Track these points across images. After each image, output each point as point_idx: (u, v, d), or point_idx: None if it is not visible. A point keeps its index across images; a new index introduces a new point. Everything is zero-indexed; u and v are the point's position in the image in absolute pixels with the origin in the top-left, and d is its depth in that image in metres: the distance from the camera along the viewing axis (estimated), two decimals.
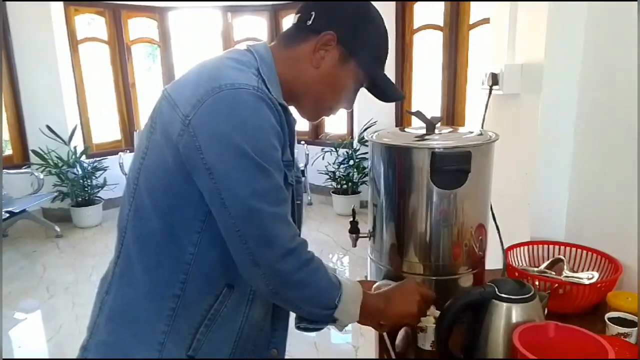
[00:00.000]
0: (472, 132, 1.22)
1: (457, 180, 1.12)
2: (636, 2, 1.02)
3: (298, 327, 0.98)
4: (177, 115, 0.84)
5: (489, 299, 0.94)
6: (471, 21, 4.14)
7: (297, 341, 2.46)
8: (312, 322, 0.96)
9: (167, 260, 0.90)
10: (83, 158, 4.83)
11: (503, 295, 0.93)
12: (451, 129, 1.27)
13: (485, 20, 3.87)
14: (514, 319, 0.92)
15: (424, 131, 1.21)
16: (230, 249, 0.86)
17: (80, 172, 4.69)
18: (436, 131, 1.20)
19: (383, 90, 1.03)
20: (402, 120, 4.83)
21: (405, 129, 1.26)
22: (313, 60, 0.95)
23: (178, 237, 0.89)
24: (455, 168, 1.10)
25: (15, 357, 2.73)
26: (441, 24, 4.35)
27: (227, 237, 0.85)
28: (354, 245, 1.34)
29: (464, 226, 1.18)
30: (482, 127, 1.51)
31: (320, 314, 0.92)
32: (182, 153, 0.84)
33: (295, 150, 1.03)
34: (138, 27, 5.52)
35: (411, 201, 1.16)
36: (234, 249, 0.86)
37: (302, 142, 5.23)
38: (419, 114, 1.17)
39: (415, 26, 4.68)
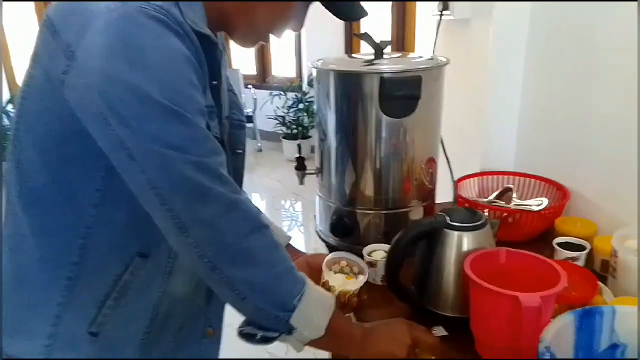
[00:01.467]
0: (422, 57, 1.15)
1: (407, 107, 1.06)
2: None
3: (240, 333, 0.73)
4: (59, 45, 0.65)
5: (440, 228, 0.90)
6: None
7: None
8: (260, 327, 0.72)
9: (60, 222, 0.73)
10: (9, 107, 4.44)
11: (454, 223, 0.89)
12: (400, 54, 1.19)
13: None
14: (465, 247, 0.88)
15: (372, 57, 1.12)
16: (150, 213, 0.68)
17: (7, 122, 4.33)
18: (385, 56, 1.12)
19: (343, 4, 0.81)
20: (351, 51, 4.69)
21: (353, 55, 1.17)
22: None
23: (74, 196, 0.72)
24: (405, 94, 1.03)
25: None
26: None
27: (141, 198, 0.67)
28: (301, 182, 1.27)
29: (415, 158, 1.12)
30: (433, 54, 1.44)
31: (271, 315, 0.70)
32: (68, 94, 0.66)
33: (242, 95, 0.85)
34: None
35: (359, 133, 1.09)
36: (152, 213, 0.67)
37: (249, 86, 5.02)
38: (366, 37, 1.08)
39: None
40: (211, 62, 0.72)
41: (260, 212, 0.83)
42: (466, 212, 0.92)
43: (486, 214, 1.18)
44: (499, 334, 0.78)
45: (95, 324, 0.75)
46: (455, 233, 0.89)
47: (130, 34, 0.62)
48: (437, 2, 1.54)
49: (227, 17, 0.77)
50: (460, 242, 0.89)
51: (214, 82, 0.75)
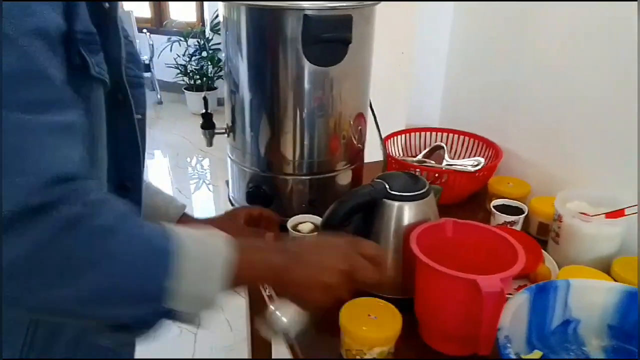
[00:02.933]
0: None
1: (335, 53, 0.89)
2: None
3: (94, 340, 0.55)
4: None
5: (379, 199, 0.77)
6: None
7: None
8: (126, 327, 0.50)
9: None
10: None
11: (395, 192, 0.76)
12: None
13: None
14: (407, 220, 0.76)
15: None
16: None
17: None
18: None
19: None
20: None
21: None
22: None
23: None
24: (334, 36, 0.86)
25: None
26: None
27: None
28: (209, 144, 1.07)
29: (343, 114, 0.97)
30: None
31: (131, 313, 0.49)
32: None
33: (137, 40, 0.61)
34: None
35: (278, 84, 0.90)
36: None
37: (144, 31, 4.51)
38: None
39: None
40: None
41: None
42: (407, 178, 0.80)
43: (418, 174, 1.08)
44: (451, 320, 0.68)
45: None
46: (396, 204, 0.76)
47: None
48: None
49: None
50: (401, 214, 0.77)
51: (106, 4, 0.53)
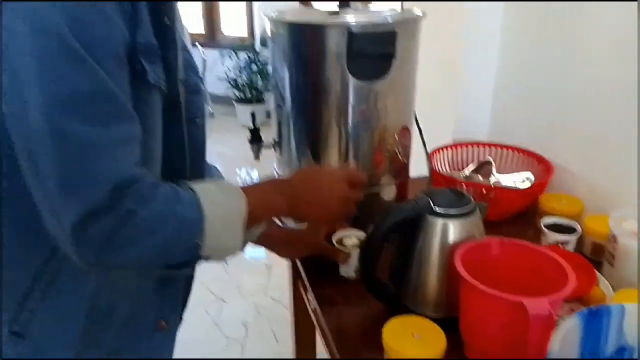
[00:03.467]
0: (394, 10, 0.97)
1: (379, 68, 0.89)
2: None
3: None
4: None
5: (423, 215, 0.76)
6: None
7: None
8: (170, 266, 0.65)
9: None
10: None
11: (439, 209, 0.75)
12: (367, 5, 1.01)
13: None
14: (451, 237, 0.75)
15: (336, 8, 0.93)
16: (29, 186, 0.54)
17: None
18: (351, 7, 0.94)
19: None
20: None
21: (313, 4, 0.98)
22: None
23: None
24: (378, 52, 0.86)
25: None
26: None
27: (24, 169, 0.53)
28: (257, 157, 1.09)
29: (387, 128, 0.97)
30: (402, 6, 1.27)
31: (178, 260, 0.64)
32: None
33: (187, 44, 0.68)
34: None
35: (323, 99, 0.91)
36: (32, 189, 0.54)
37: (197, 44, 4.68)
38: None
39: None
40: None
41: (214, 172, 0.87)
42: (451, 195, 0.79)
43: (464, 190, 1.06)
44: (496, 342, 0.66)
45: (18, 323, 0.62)
46: (441, 221, 0.75)
47: None
48: None
49: None
50: (446, 231, 0.75)
51: (166, 19, 0.60)
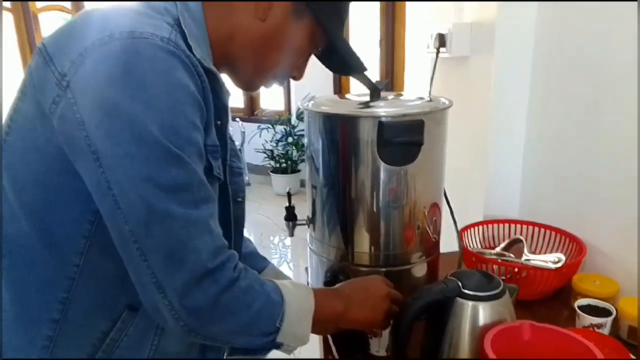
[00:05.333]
0: (421, 99, 1.05)
1: (408, 154, 0.95)
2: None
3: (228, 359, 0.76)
4: (52, 74, 0.60)
5: (452, 297, 0.78)
6: None
7: None
8: (249, 351, 0.73)
9: (41, 274, 0.66)
10: None
11: (469, 292, 0.77)
12: (397, 95, 1.10)
13: None
14: (482, 320, 0.76)
15: (367, 98, 1.02)
16: (126, 266, 0.63)
17: None
18: (381, 98, 1.02)
19: (343, 58, 0.81)
20: (341, 92, 4.64)
21: (346, 96, 1.07)
22: (258, 11, 0.71)
23: (57, 244, 0.65)
24: (406, 140, 0.92)
25: None
26: None
27: (121, 249, 0.62)
28: (291, 234, 1.15)
29: (417, 208, 1.01)
30: (430, 94, 1.35)
31: (257, 343, 0.70)
32: (58, 128, 0.60)
33: (230, 128, 0.80)
34: None
35: (355, 181, 0.97)
36: (130, 267, 0.63)
37: (237, 119, 4.93)
38: (362, 77, 0.97)
39: None
40: (217, 100, 0.69)
41: (248, 244, 0.98)
42: (480, 277, 0.81)
43: (495, 269, 1.07)
44: None
45: None
46: (470, 303, 0.77)
47: (134, 65, 0.57)
48: (431, 39, 1.46)
49: (234, 57, 0.75)
50: (476, 314, 0.77)
51: (219, 122, 0.71)
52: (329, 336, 1.05)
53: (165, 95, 0.59)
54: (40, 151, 0.63)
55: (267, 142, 4.77)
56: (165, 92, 0.59)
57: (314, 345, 2.04)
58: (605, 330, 0.91)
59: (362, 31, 4.36)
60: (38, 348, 0.67)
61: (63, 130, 0.60)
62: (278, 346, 0.72)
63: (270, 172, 4.78)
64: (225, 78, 0.77)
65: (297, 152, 4.67)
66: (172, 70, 0.60)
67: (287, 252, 3.71)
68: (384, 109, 0.95)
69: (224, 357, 0.77)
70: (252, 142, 4.85)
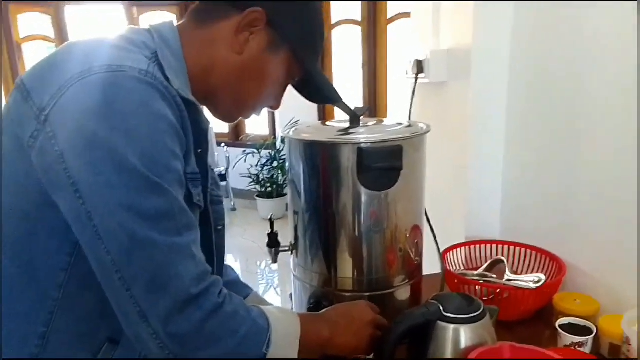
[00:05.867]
0: (400, 124, 1.07)
1: (388, 179, 0.96)
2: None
3: None
4: (31, 109, 0.61)
5: (434, 321, 0.79)
6: (389, 15, 4.09)
7: None
8: None
9: (18, 308, 0.66)
10: None
11: (450, 315, 0.78)
12: (377, 122, 1.12)
13: (403, 15, 3.84)
14: (463, 343, 0.77)
15: (347, 125, 1.04)
16: (108, 297, 0.63)
17: None
18: (361, 124, 1.04)
19: (319, 88, 0.84)
20: (324, 117, 4.69)
21: (327, 123, 1.09)
22: (235, 44, 0.73)
23: (37, 278, 0.65)
24: (386, 165, 0.94)
25: None
26: (359, 18, 4.27)
27: (103, 280, 0.62)
28: (274, 261, 1.15)
29: (398, 232, 1.02)
30: (410, 119, 1.38)
31: None
32: (37, 162, 0.61)
33: (215, 153, 0.81)
34: (29, 23, 4.96)
35: (336, 207, 0.98)
36: (113, 297, 0.62)
37: (222, 145, 4.94)
38: (341, 105, 0.99)
39: (333, 21, 4.57)
40: (196, 129, 0.70)
41: (230, 272, 0.98)
42: (461, 300, 0.82)
43: (477, 290, 1.08)
44: None
45: None
46: (452, 327, 0.78)
47: (113, 96, 0.59)
48: (410, 65, 1.50)
49: (212, 89, 0.76)
50: (458, 337, 0.78)
51: (199, 151, 0.72)
52: None
53: (145, 126, 0.60)
54: (20, 184, 0.64)
55: (252, 166, 4.77)
56: (145, 122, 0.60)
57: None
58: (587, 349, 0.93)
59: (345, 56, 4.44)
60: None
61: (42, 164, 0.61)
62: None
63: (256, 196, 4.77)
64: (204, 110, 0.78)
65: (283, 176, 4.68)
66: (150, 101, 0.61)
67: (274, 277, 3.68)
68: (363, 135, 0.97)
69: None
70: (238, 167, 4.85)
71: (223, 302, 0.66)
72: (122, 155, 0.58)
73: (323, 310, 0.88)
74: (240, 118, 0.85)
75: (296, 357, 0.73)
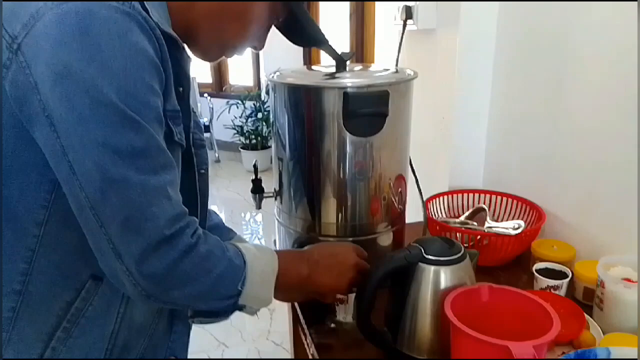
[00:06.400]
0: (387, 70, 1.05)
1: (373, 125, 0.95)
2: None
3: (192, 322, 0.76)
4: (2, 38, 0.58)
5: (415, 263, 0.80)
6: None
7: None
8: (211, 313, 0.74)
9: (1, 246, 0.65)
10: None
11: (430, 257, 0.80)
12: (363, 67, 1.10)
13: None
14: (443, 284, 0.79)
15: (333, 69, 1.01)
16: (85, 233, 0.62)
17: None
18: (347, 69, 1.02)
19: (304, 29, 0.81)
20: (309, 59, 4.58)
21: (313, 67, 1.07)
22: None
23: (16, 215, 0.64)
24: (372, 111, 0.93)
25: None
26: None
27: (79, 216, 0.61)
28: (258, 207, 1.15)
29: (382, 179, 1.02)
30: (397, 66, 1.35)
31: (218, 306, 0.71)
32: (10, 93, 0.59)
33: (198, 104, 0.79)
34: None
35: (321, 153, 0.98)
36: (88, 234, 0.62)
37: (205, 95, 4.84)
38: (327, 47, 0.97)
39: None
40: (176, 66, 0.67)
41: (214, 217, 0.98)
42: (442, 243, 0.83)
43: (458, 237, 1.10)
44: None
45: (44, 358, 0.68)
46: (432, 268, 0.79)
47: (88, 27, 0.56)
48: (398, 11, 1.46)
49: (193, 26, 0.72)
50: (438, 278, 0.79)
51: (181, 89, 0.69)
52: (296, 305, 1.07)
53: (121, 58, 0.57)
54: None
55: (236, 118, 4.71)
56: (121, 55, 0.57)
57: (282, 314, 2.06)
58: (562, 292, 0.96)
59: (332, 6, 4.31)
60: (2, 320, 0.66)
61: (16, 95, 0.58)
62: (240, 308, 0.72)
63: (241, 148, 4.73)
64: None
65: (267, 128, 4.63)
66: (128, 33, 0.58)
67: (259, 228, 3.71)
68: (349, 80, 0.95)
69: (190, 320, 0.77)
70: (221, 119, 4.79)
71: (196, 243, 0.65)
72: (97, 88, 0.56)
73: (306, 247, 0.88)
74: (226, 60, 0.83)
75: (272, 293, 0.74)
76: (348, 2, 4.10)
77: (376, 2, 3.89)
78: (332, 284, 0.82)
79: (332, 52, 0.98)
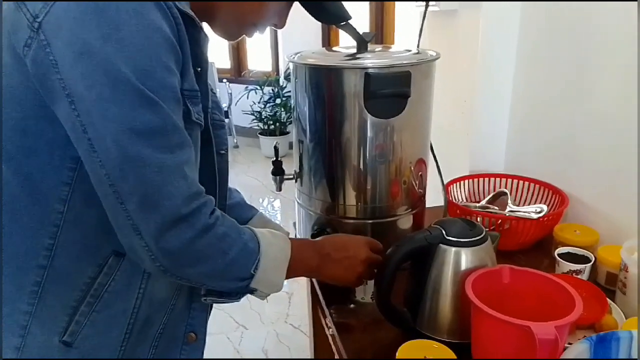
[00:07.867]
0: (409, 51, 1.04)
1: (394, 107, 0.95)
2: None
3: (204, 300, 0.77)
4: (24, 16, 0.59)
5: (435, 244, 0.80)
6: None
7: None
8: (223, 294, 0.76)
9: (24, 222, 0.67)
10: None
11: (452, 238, 0.79)
12: (384, 48, 1.09)
13: None
14: (464, 265, 0.79)
15: (354, 50, 1.01)
16: (105, 208, 0.64)
17: None
18: (369, 50, 1.01)
19: (326, 6, 0.81)
20: (329, 43, 4.54)
21: (333, 48, 1.06)
22: None
23: (40, 192, 0.66)
24: (393, 92, 0.92)
25: None
26: None
27: (99, 192, 0.63)
28: (279, 189, 1.16)
29: (403, 161, 1.02)
30: (418, 47, 1.34)
31: (231, 287, 0.73)
32: (32, 71, 0.60)
33: (217, 90, 0.79)
34: None
35: (342, 134, 0.98)
36: (108, 209, 0.63)
37: (224, 80, 4.85)
38: (348, 27, 0.96)
39: None
40: (194, 46, 0.67)
41: (235, 195, 0.99)
42: (463, 224, 0.83)
43: (479, 221, 1.09)
44: None
45: (67, 333, 0.70)
46: (453, 249, 0.79)
47: (106, 6, 0.56)
48: None
49: (212, 5, 0.73)
50: (459, 260, 0.79)
51: (199, 69, 0.70)
52: (316, 284, 1.08)
53: (138, 37, 0.58)
54: (18, 97, 0.62)
55: (255, 103, 4.71)
56: (137, 33, 0.58)
57: (301, 297, 2.08)
58: (584, 276, 0.95)
59: None
60: (26, 294, 0.68)
61: (37, 73, 0.59)
62: (252, 291, 0.74)
63: (259, 134, 4.75)
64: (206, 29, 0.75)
65: (286, 113, 4.63)
66: (145, 11, 0.58)
67: (277, 213, 3.73)
68: (370, 61, 0.94)
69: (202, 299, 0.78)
70: (240, 104, 4.80)
71: (214, 223, 0.66)
72: (115, 67, 0.57)
73: (320, 238, 0.89)
74: (246, 42, 0.83)
75: (284, 279, 0.76)
76: None
77: None
78: (340, 278, 0.84)
79: (353, 32, 0.97)
